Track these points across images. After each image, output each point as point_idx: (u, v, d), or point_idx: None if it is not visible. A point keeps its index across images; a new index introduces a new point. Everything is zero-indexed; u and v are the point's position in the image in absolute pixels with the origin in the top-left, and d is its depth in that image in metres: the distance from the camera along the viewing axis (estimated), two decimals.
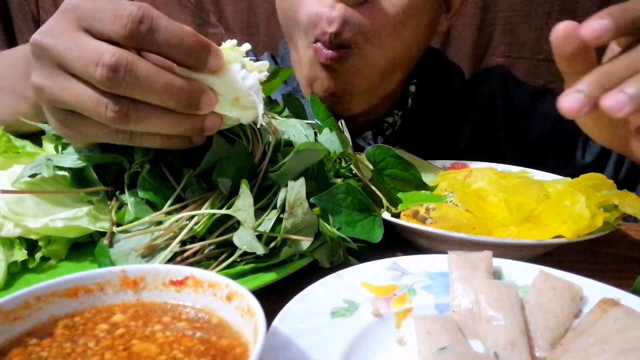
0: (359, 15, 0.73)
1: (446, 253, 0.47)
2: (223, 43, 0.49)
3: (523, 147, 0.94)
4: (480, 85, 1.01)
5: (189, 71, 0.46)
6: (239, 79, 0.47)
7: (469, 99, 0.99)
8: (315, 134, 0.63)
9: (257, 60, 0.52)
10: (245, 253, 0.47)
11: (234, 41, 0.49)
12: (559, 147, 0.94)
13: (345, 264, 0.51)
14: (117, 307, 0.35)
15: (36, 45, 0.45)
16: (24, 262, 0.49)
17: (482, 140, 0.94)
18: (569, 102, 0.43)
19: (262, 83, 0.50)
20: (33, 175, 0.53)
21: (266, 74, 0.51)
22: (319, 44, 0.75)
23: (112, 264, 0.46)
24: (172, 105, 0.45)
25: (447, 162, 0.82)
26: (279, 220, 0.49)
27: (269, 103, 0.73)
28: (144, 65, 0.43)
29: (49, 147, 0.61)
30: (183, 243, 0.48)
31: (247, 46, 0.50)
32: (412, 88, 0.96)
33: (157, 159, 0.54)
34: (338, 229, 0.54)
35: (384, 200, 0.60)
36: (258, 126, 0.51)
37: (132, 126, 0.45)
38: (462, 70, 1.05)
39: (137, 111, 0.44)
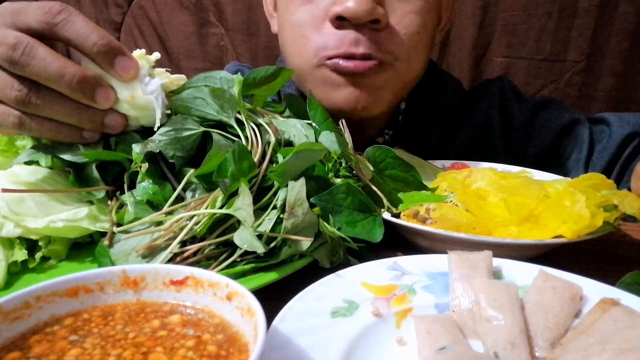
0: (380, 41, 0.74)
1: (446, 253, 0.47)
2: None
3: (520, 163, 0.89)
4: (477, 102, 0.99)
5: (95, 66, 0.51)
6: (138, 82, 0.52)
7: (464, 115, 0.98)
8: (316, 133, 0.63)
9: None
10: (245, 253, 0.47)
11: (143, 50, 0.54)
12: (558, 164, 0.92)
13: (345, 264, 0.51)
14: (118, 306, 0.35)
15: None
16: (24, 262, 0.49)
17: (476, 156, 0.90)
18: None
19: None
20: (29, 162, 0.54)
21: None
22: (338, 60, 0.74)
23: (112, 264, 0.46)
24: (65, 90, 0.48)
25: (447, 162, 0.82)
26: (279, 220, 0.49)
27: (269, 104, 0.73)
28: (42, 49, 0.47)
29: None
30: (183, 243, 0.48)
31: (156, 55, 0.55)
32: (403, 105, 0.96)
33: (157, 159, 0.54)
34: (338, 229, 0.54)
35: (385, 200, 0.60)
36: (155, 128, 0.54)
37: (33, 108, 0.49)
38: (457, 82, 1.03)
39: (38, 92, 0.49)
